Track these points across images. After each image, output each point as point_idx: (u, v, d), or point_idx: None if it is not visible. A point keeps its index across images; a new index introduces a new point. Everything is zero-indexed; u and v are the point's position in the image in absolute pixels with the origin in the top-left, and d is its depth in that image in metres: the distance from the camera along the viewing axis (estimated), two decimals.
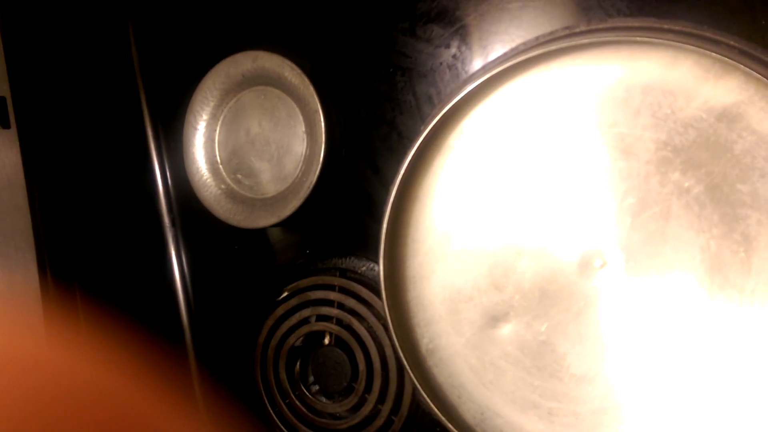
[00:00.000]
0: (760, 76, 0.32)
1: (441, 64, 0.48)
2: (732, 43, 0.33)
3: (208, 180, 0.57)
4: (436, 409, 0.38)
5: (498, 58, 0.41)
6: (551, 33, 0.39)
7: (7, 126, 0.46)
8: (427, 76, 0.49)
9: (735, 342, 0.34)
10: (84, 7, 0.57)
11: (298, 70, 0.52)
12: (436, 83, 0.49)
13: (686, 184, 0.36)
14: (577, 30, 0.37)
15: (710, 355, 0.35)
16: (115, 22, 0.59)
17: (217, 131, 0.57)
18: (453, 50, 0.48)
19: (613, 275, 0.37)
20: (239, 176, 0.56)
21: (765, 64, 0.32)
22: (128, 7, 0.59)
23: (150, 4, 0.59)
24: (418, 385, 0.39)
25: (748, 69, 0.32)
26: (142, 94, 0.59)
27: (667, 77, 0.36)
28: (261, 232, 0.56)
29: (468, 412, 0.39)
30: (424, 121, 0.45)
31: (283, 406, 0.52)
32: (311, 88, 0.51)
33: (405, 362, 0.40)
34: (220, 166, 0.57)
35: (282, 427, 0.52)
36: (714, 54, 0.33)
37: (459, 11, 0.48)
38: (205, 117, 0.56)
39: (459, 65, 0.48)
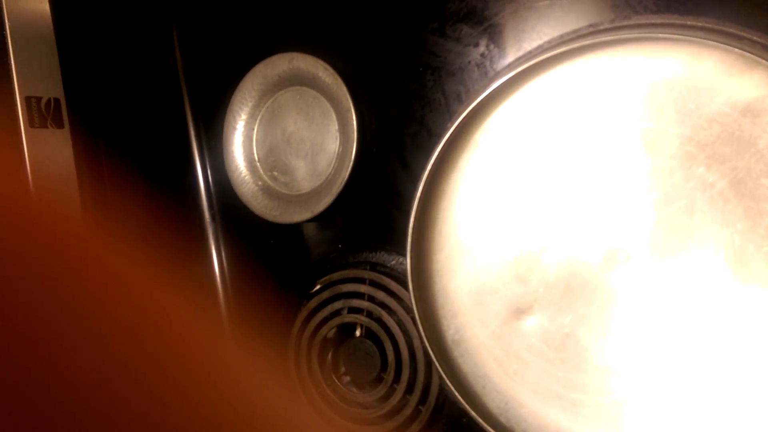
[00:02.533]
0: None
1: (470, 62, 0.49)
2: (755, 38, 0.33)
3: (246, 177, 0.59)
4: (461, 399, 0.39)
5: (523, 55, 0.42)
6: (575, 31, 0.39)
7: (61, 126, 0.49)
8: (456, 75, 0.50)
9: (758, 335, 0.34)
10: (130, 11, 0.60)
11: (332, 71, 0.53)
12: (464, 81, 0.50)
13: (710, 179, 0.36)
14: (601, 27, 0.38)
15: (733, 348, 0.35)
16: (160, 26, 0.62)
17: (255, 130, 0.59)
18: (482, 49, 0.49)
19: (637, 269, 0.38)
20: (275, 173, 0.58)
21: None
22: (172, 9, 0.62)
23: (191, 10, 0.61)
24: (444, 375, 0.40)
25: None
26: (185, 95, 0.62)
27: (691, 73, 0.36)
28: (296, 227, 0.58)
29: (492, 402, 0.40)
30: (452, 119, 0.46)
31: (315, 395, 0.54)
32: (344, 88, 0.53)
33: (431, 353, 0.41)
34: (258, 164, 0.59)
35: (315, 414, 0.54)
36: (737, 50, 0.33)
37: (487, 10, 0.49)
38: (243, 117, 0.59)
39: (487, 63, 0.49)
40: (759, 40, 0.33)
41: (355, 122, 0.52)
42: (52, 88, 0.49)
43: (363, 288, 0.53)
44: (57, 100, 0.50)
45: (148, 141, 0.60)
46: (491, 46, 0.48)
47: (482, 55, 0.49)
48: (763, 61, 0.32)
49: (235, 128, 0.59)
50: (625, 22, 0.37)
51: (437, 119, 0.50)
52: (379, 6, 0.53)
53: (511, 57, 0.47)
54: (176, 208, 0.61)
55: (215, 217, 0.62)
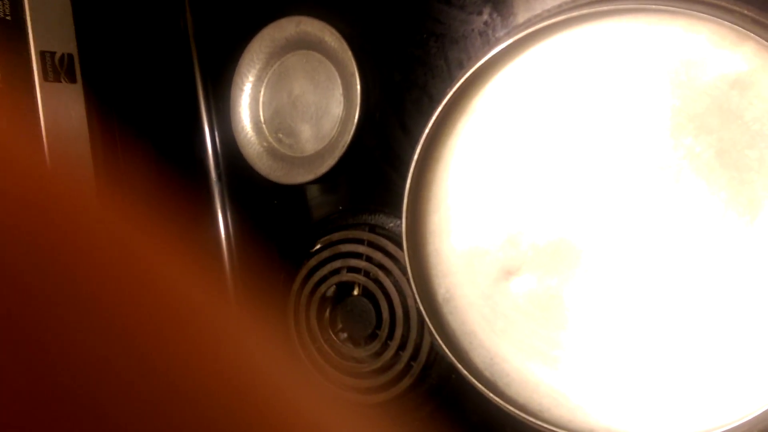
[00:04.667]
0: None
1: (473, 30, 0.50)
2: (746, 12, 0.34)
3: (252, 138, 0.60)
4: (449, 353, 0.41)
5: (523, 23, 0.43)
6: (574, 0, 0.40)
7: (74, 81, 0.51)
8: (459, 42, 0.51)
9: (736, 299, 0.36)
10: None
11: (338, 35, 0.54)
12: (467, 49, 0.50)
13: (698, 149, 0.37)
14: None
15: (713, 311, 0.36)
16: None
17: (262, 92, 0.60)
18: (485, 17, 0.50)
19: (624, 234, 0.39)
20: (280, 135, 0.60)
21: None
22: None
23: None
24: (434, 331, 0.42)
25: (759, 38, 0.33)
26: (194, 56, 0.63)
27: (685, 45, 0.37)
28: (299, 189, 0.59)
29: (478, 357, 0.42)
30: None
31: (313, 350, 0.56)
32: (349, 53, 0.54)
33: (422, 309, 0.43)
34: (263, 126, 0.60)
35: (311, 367, 0.56)
36: (728, 23, 0.34)
37: None
38: (251, 79, 0.60)
39: (490, 32, 0.49)
40: (749, 14, 0.34)
41: (359, 87, 0.53)
42: (66, 43, 0.51)
43: (361, 248, 0.55)
44: (70, 56, 0.51)
45: (158, 100, 0.62)
46: (494, 15, 0.49)
47: (485, 23, 0.50)
48: (753, 35, 0.33)
49: (242, 90, 0.60)
50: None
51: (439, 86, 0.52)
52: None
53: (513, 25, 0.48)
54: (183, 167, 0.62)
55: (221, 176, 0.63)
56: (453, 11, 0.51)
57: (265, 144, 0.60)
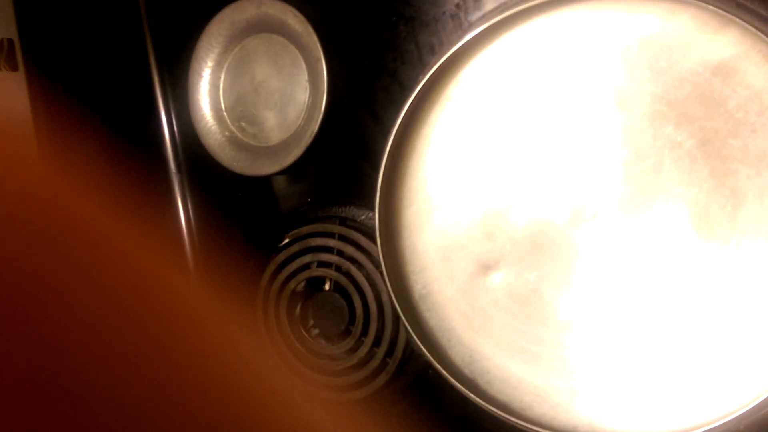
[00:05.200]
0: (756, 30, 0.32)
1: (444, 13, 0.48)
2: None
3: (213, 127, 0.57)
4: (426, 352, 0.40)
5: (498, 7, 0.41)
6: None
7: (15, 68, 0.47)
8: (430, 26, 0.49)
9: (719, 293, 0.35)
10: None
11: (302, 17, 0.52)
12: (438, 33, 0.48)
13: (679, 138, 0.36)
14: None
15: (693, 305, 0.36)
16: None
17: (222, 78, 0.57)
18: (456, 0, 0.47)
19: (603, 227, 0.38)
20: (243, 124, 0.57)
21: (762, 19, 0.32)
22: None
23: None
24: (410, 329, 0.40)
25: (744, 23, 0.32)
26: (148, 39, 0.59)
27: (665, 30, 0.35)
28: (264, 180, 0.57)
29: (457, 354, 0.40)
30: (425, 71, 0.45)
31: (284, 348, 0.54)
32: (314, 36, 0.51)
33: (398, 307, 0.41)
34: (225, 114, 0.57)
35: (283, 366, 0.54)
36: (711, 7, 0.32)
37: None
38: (210, 64, 0.57)
39: (462, 15, 0.47)
40: None
41: (325, 73, 0.51)
42: (5, 28, 0.47)
43: (332, 242, 0.53)
44: (10, 41, 0.47)
45: (111, 88, 0.58)
46: None
47: (457, 6, 0.47)
48: (737, 20, 0.32)
49: (201, 75, 0.57)
50: None
51: (410, 71, 0.49)
52: None
53: (487, 7, 0.46)
54: (140, 158, 0.59)
55: (181, 168, 0.60)
56: None
57: (227, 133, 0.57)
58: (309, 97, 0.53)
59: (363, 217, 0.52)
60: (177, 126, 0.60)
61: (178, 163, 0.60)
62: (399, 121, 0.43)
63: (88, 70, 0.56)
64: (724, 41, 0.34)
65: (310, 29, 0.51)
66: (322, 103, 0.51)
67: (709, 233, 0.35)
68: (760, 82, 0.33)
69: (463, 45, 0.39)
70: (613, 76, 0.37)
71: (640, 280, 0.37)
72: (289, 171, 0.54)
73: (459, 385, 0.39)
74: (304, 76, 0.53)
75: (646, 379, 0.36)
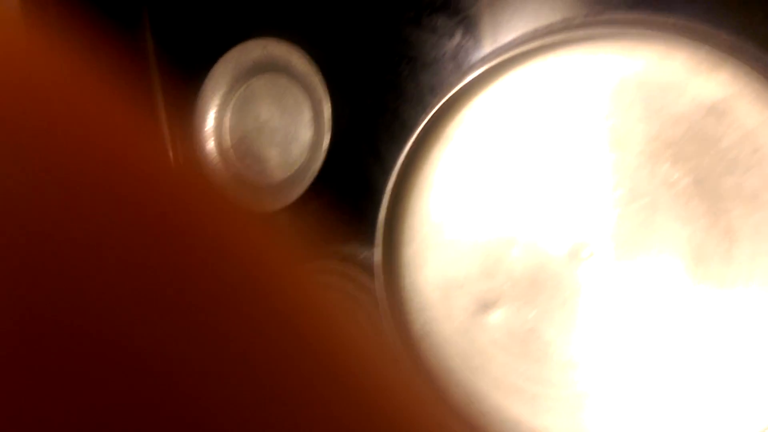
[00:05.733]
0: (750, 68, 0.32)
1: (444, 54, 0.49)
2: (724, 36, 0.33)
3: (218, 165, 0.58)
4: (428, 390, 0.39)
5: (496, 50, 0.42)
6: (549, 26, 0.39)
7: None
8: (431, 66, 0.50)
9: (714, 330, 0.35)
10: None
11: (306, 58, 0.53)
12: (439, 73, 0.49)
13: (675, 177, 0.36)
14: (574, 22, 0.38)
15: (691, 344, 0.35)
16: (131, 12, 0.61)
17: (227, 117, 0.58)
18: (457, 40, 0.48)
19: (600, 265, 0.38)
20: (248, 162, 0.58)
21: (755, 58, 0.33)
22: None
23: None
24: (410, 368, 0.40)
25: (738, 62, 0.32)
26: (155, 79, 0.61)
27: (661, 70, 0.36)
28: (266, 218, 0.57)
29: (455, 396, 0.40)
30: (426, 111, 0.45)
31: None
32: (318, 76, 0.52)
33: (400, 345, 0.41)
34: (230, 152, 0.58)
35: None
36: (706, 47, 0.33)
37: (463, 2, 0.48)
38: (216, 103, 0.58)
39: (462, 55, 0.48)
40: (727, 37, 0.33)
41: (328, 112, 0.52)
42: None
43: (332, 280, 0.53)
44: None
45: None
46: (467, 37, 0.48)
47: (457, 46, 0.48)
48: (731, 59, 0.32)
49: (206, 115, 0.58)
50: (598, 18, 0.37)
51: (411, 110, 0.50)
52: None
53: (485, 49, 0.47)
54: None
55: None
56: (424, 34, 0.50)
57: (231, 171, 0.58)
58: (312, 135, 0.54)
59: (364, 255, 0.52)
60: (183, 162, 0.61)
61: None
62: (401, 159, 0.43)
63: None
64: (718, 80, 0.34)
65: (313, 69, 0.52)
66: (324, 141, 0.52)
67: (705, 270, 0.35)
68: (752, 122, 0.33)
69: (462, 87, 0.40)
70: (609, 116, 0.38)
71: (638, 319, 0.37)
72: (292, 209, 0.54)
73: (458, 429, 0.38)
74: (308, 115, 0.54)
75: (645, 420, 0.35)
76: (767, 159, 0.33)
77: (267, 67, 0.56)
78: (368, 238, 0.53)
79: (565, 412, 0.38)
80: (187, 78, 0.59)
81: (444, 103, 0.42)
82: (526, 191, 0.40)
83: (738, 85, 0.33)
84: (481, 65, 0.40)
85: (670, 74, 0.36)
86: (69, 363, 0.09)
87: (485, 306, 0.41)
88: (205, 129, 0.58)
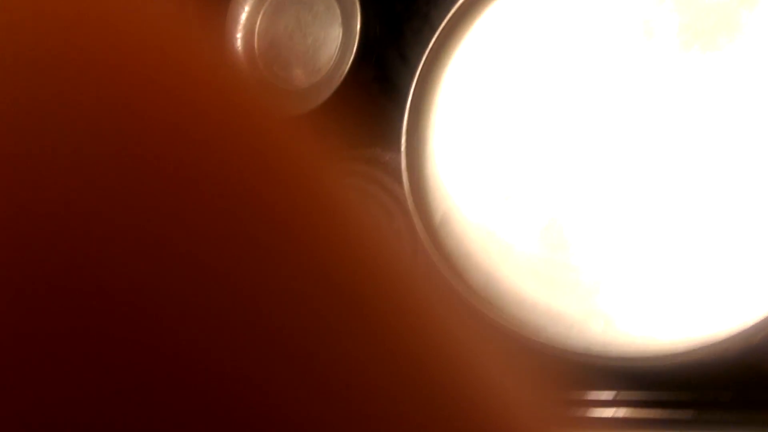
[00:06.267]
0: None
1: None
2: None
3: (245, 69, 0.59)
4: (444, 271, 0.41)
5: None
6: None
7: None
8: None
9: (730, 209, 0.36)
10: None
11: None
12: None
13: (705, 67, 0.37)
14: None
15: (711, 228, 0.36)
16: None
17: (258, 23, 0.59)
18: None
19: (631, 148, 0.39)
20: (275, 69, 0.59)
21: None
22: None
23: None
24: (430, 251, 0.41)
25: None
26: None
27: None
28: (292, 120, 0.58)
29: (473, 278, 0.41)
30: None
31: None
32: None
33: (420, 231, 0.42)
34: (257, 59, 0.59)
35: None
36: None
37: None
38: (246, 9, 0.59)
39: None
40: None
41: (359, 16, 0.52)
42: None
43: (356, 183, 0.54)
44: None
45: None
46: None
47: None
48: None
49: (237, 21, 0.59)
50: None
51: (441, 15, 0.50)
52: None
53: None
54: None
55: None
56: None
57: (257, 76, 0.59)
58: (341, 41, 0.55)
59: (387, 158, 0.53)
60: None
61: None
62: (424, 56, 0.44)
63: None
64: None
65: None
66: (353, 46, 0.52)
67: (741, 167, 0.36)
68: None
69: None
70: (641, 6, 0.38)
71: (654, 201, 0.38)
72: (318, 112, 0.55)
73: (477, 306, 0.39)
74: (338, 21, 0.55)
75: (659, 299, 0.37)
76: None
77: None
78: (393, 142, 0.54)
79: (582, 295, 0.39)
80: None
81: (465, 2, 0.42)
82: (553, 84, 0.41)
83: None
84: None
85: None
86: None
87: (506, 196, 0.42)
88: (235, 35, 0.59)
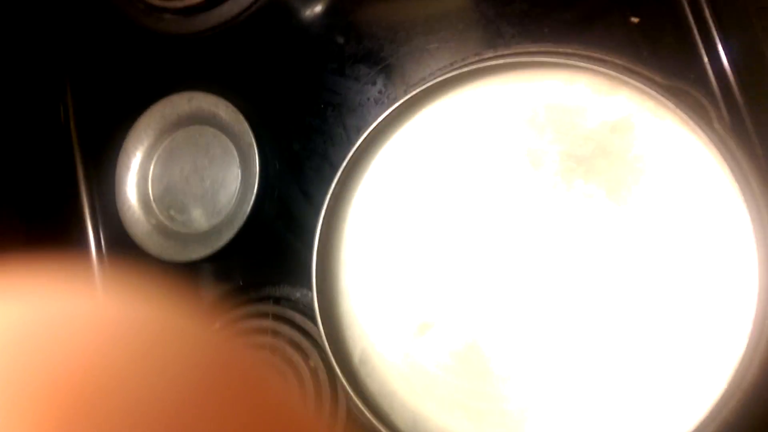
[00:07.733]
0: (643, 89, 0.37)
1: (368, 99, 0.52)
2: (617, 61, 0.38)
3: (140, 217, 0.57)
4: (370, 417, 0.39)
5: (416, 84, 0.45)
6: (463, 59, 0.43)
7: None
8: (356, 111, 0.52)
9: (645, 337, 0.37)
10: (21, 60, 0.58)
11: (233, 108, 0.54)
12: (364, 116, 0.52)
13: (589, 190, 0.39)
14: (486, 56, 0.42)
15: (629, 354, 0.37)
16: (53, 69, 0.60)
17: (151, 170, 0.57)
18: (379, 86, 0.52)
19: (530, 277, 0.40)
20: (172, 213, 0.57)
21: (647, 80, 0.37)
22: (65, 60, 0.60)
23: (88, 49, 0.60)
24: (352, 394, 0.39)
25: (633, 84, 0.37)
26: (73, 134, 0.59)
27: (566, 95, 0.40)
28: (194, 267, 0.56)
29: (400, 418, 0.39)
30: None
31: None
32: (245, 124, 0.53)
33: (339, 374, 0.40)
34: (153, 204, 0.57)
35: None
36: (603, 71, 0.37)
37: (383, 53, 0.52)
38: (138, 156, 0.57)
39: (385, 99, 0.51)
40: (620, 62, 0.38)
41: (257, 157, 0.52)
42: None
43: (266, 323, 0.51)
44: None
45: (33, 180, 0.57)
46: (387, 84, 0.51)
47: (380, 92, 0.51)
48: (628, 80, 0.37)
49: (128, 168, 0.57)
50: (506, 51, 0.41)
51: (339, 153, 0.52)
52: (281, 47, 0.55)
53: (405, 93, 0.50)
54: (62, 248, 0.57)
55: (104, 259, 0.58)
56: (348, 82, 0.52)
57: (153, 222, 0.56)
58: (240, 182, 0.54)
59: (298, 295, 0.52)
60: (101, 217, 0.59)
61: (100, 255, 0.58)
62: (329, 195, 0.44)
63: (10, 163, 0.55)
64: (617, 102, 0.38)
65: (241, 118, 0.53)
66: (254, 186, 0.52)
67: (626, 277, 0.38)
68: (651, 136, 0.37)
69: (383, 120, 0.43)
70: (526, 140, 0.41)
71: (574, 327, 0.39)
72: (221, 255, 0.53)
73: None
74: (236, 163, 0.55)
75: (586, 420, 0.36)
76: (668, 166, 0.37)
77: (193, 120, 0.56)
78: (300, 279, 0.53)
79: (508, 425, 0.38)
80: (108, 133, 0.59)
81: (367, 137, 0.44)
82: (453, 214, 0.42)
83: (635, 103, 0.38)
84: (398, 100, 0.43)
85: (574, 98, 0.40)
86: None
87: (425, 327, 0.41)
88: (126, 182, 0.57)
